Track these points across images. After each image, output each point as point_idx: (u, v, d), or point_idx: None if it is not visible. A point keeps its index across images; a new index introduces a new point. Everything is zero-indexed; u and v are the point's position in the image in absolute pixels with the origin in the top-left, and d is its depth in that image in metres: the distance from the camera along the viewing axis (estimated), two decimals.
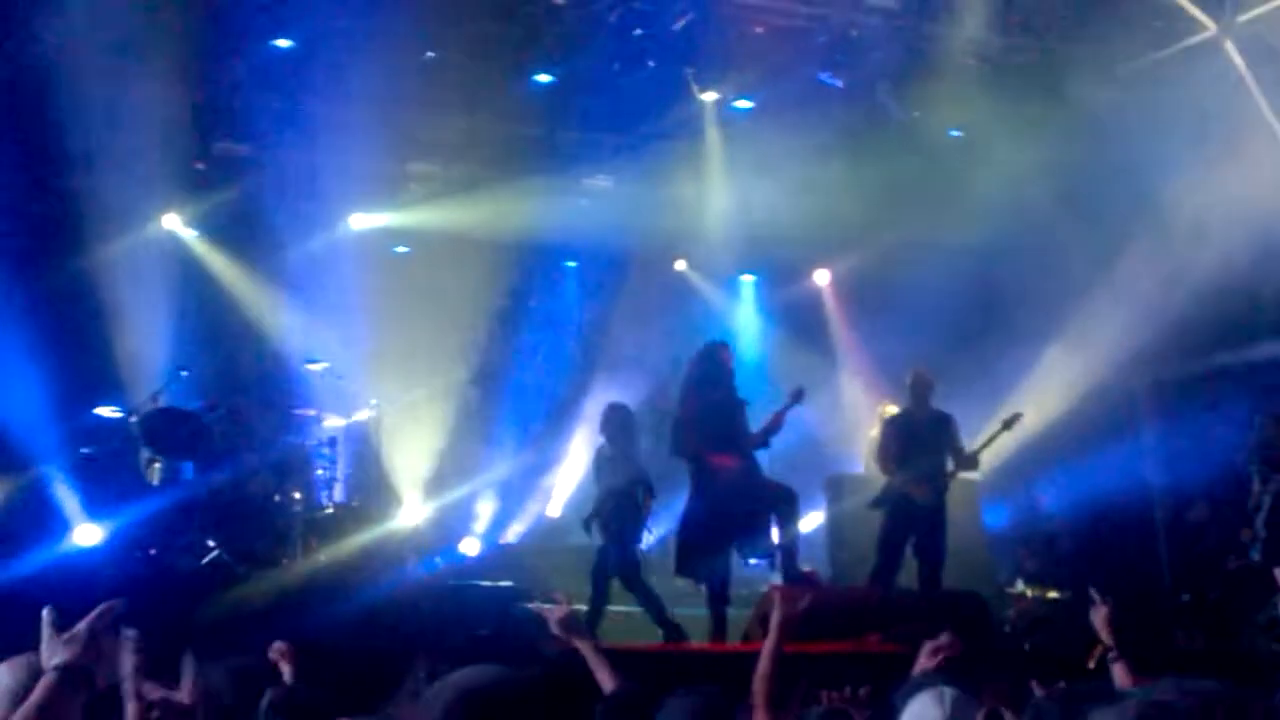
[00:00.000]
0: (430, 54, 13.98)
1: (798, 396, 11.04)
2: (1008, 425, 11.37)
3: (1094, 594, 5.58)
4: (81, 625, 3.34)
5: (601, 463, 11.12)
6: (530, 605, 6.13)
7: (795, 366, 14.75)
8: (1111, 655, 5.32)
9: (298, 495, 12.26)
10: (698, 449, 10.69)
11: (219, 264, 14.91)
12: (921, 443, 11.27)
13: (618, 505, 10.77)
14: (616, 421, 11.07)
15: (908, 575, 11.20)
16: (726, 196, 16.09)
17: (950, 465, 11.36)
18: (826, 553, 12.75)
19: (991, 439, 11.38)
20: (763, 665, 5.37)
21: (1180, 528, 13.28)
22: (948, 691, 3.92)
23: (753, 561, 10.92)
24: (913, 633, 8.64)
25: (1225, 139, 13.73)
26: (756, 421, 10.90)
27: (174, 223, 14.79)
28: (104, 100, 12.98)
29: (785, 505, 10.76)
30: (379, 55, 14.02)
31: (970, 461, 11.33)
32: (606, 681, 5.30)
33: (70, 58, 12.76)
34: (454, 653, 6.18)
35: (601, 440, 11.17)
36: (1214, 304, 13.66)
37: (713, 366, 10.96)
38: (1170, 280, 14.00)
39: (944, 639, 5.45)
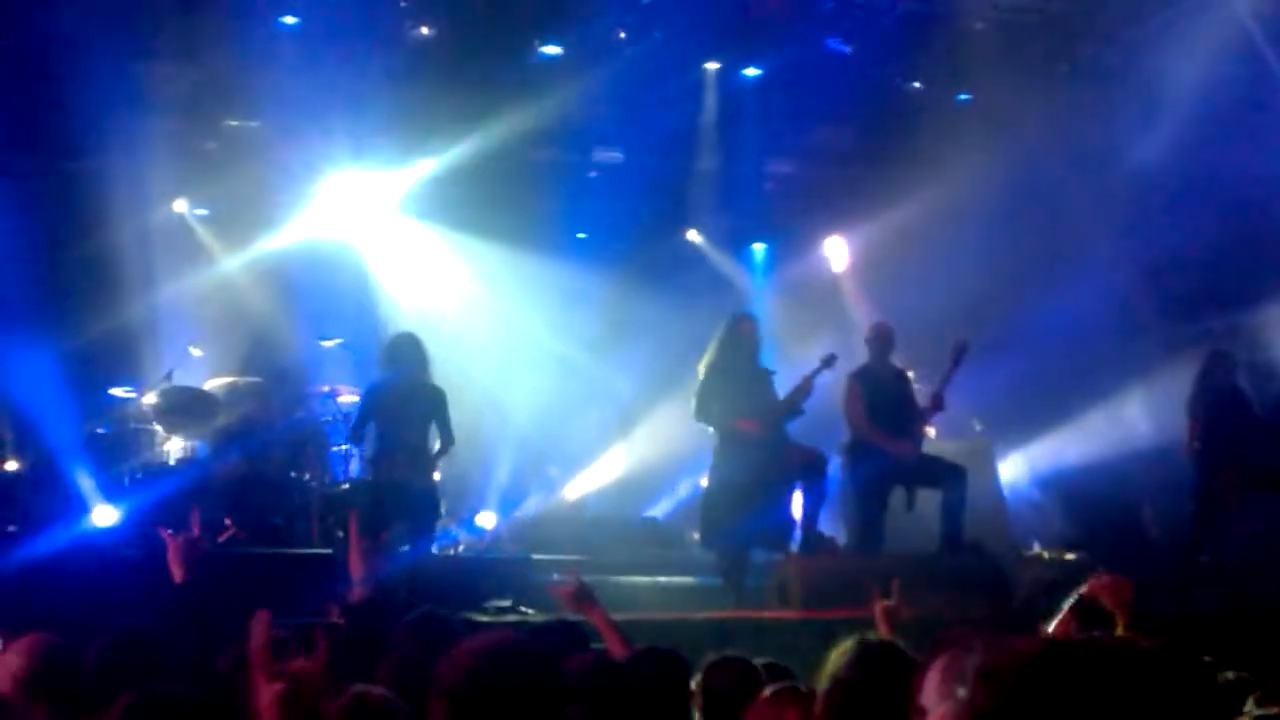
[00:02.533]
0: (428, 30, 13.99)
1: (829, 362, 10.93)
2: (956, 357, 11.15)
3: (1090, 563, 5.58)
4: None
5: None
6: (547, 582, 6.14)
7: (807, 335, 14.73)
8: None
9: (313, 472, 12.29)
10: (722, 415, 10.68)
11: (231, 242, 14.92)
12: (887, 396, 11.19)
13: None
14: None
15: (931, 538, 11.17)
16: (735, 165, 16.06)
17: (918, 420, 11.28)
18: (842, 520, 12.72)
19: (947, 376, 11.21)
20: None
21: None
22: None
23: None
24: (931, 598, 8.67)
25: (1236, 99, 13.70)
26: (784, 391, 10.89)
27: (183, 206, 14.81)
28: (111, 81, 12.99)
29: (813, 470, 10.75)
30: (383, 30, 14.04)
31: (937, 402, 11.21)
32: (618, 650, 5.34)
33: (76, 38, 12.77)
34: (471, 624, 6.19)
35: None
36: (1230, 261, 13.66)
37: (737, 337, 10.92)
38: (1184, 237, 13.99)
39: (892, 601, 5.54)
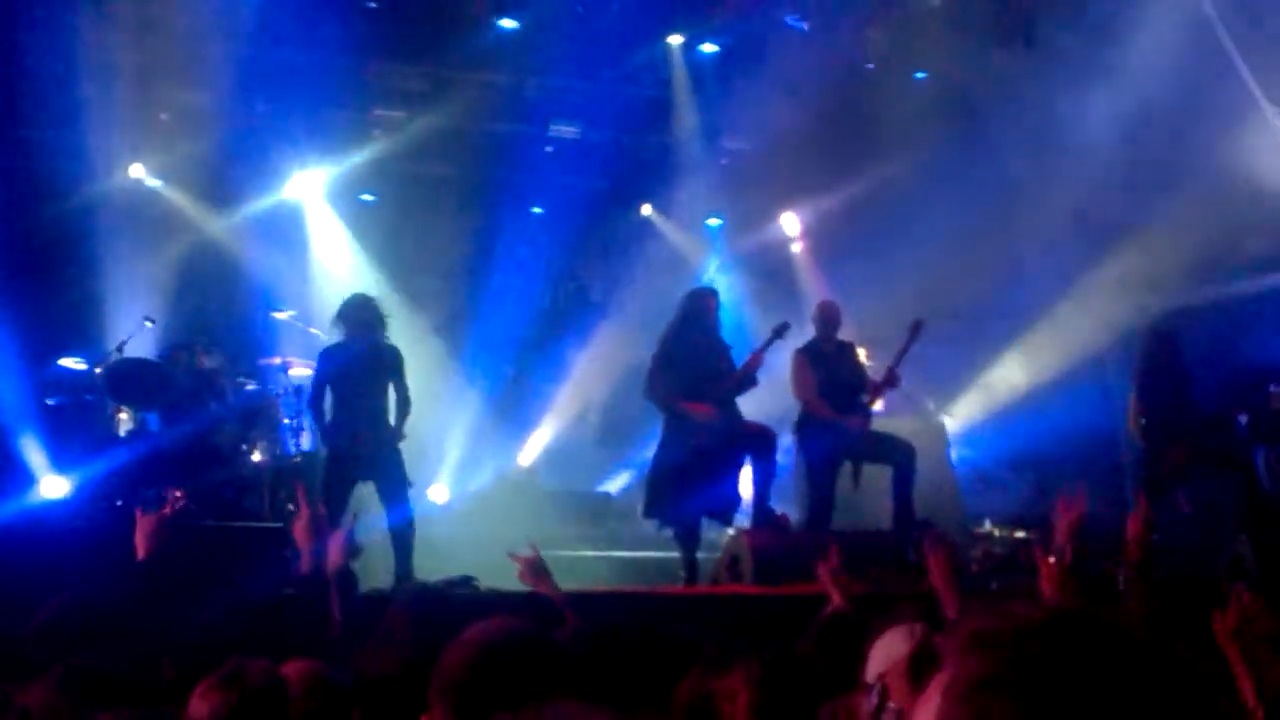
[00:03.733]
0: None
1: (780, 331, 10.88)
2: (913, 334, 11.21)
3: (1036, 549, 5.61)
4: None
5: None
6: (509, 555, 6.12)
7: (763, 310, 14.77)
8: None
9: (264, 444, 12.25)
10: (670, 394, 10.64)
11: (185, 213, 14.82)
12: (834, 372, 11.22)
13: None
14: None
15: (882, 514, 11.23)
16: (692, 141, 16.06)
17: (867, 395, 11.33)
18: (795, 496, 12.76)
19: (903, 350, 11.26)
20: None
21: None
22: (918, 627, 3.94)
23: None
24: (882, 574, 8.73)
25: (1194, 82, 13.77)
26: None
27: (140, 172, 14.68)
28: (66, 51, 12.88)
29: (762, 445, 10.74)
30: (339, 2, 13.95)
31: (890, 378, 11.25)
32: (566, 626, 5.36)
33: (32, 7, 12.66)
34: (423, 598, 6.17)
35: None
36: (1186, 243, 13.75)
37: (694, 312, 10.87)
38: (1137, 219, 14.08)
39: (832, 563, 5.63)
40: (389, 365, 10.42)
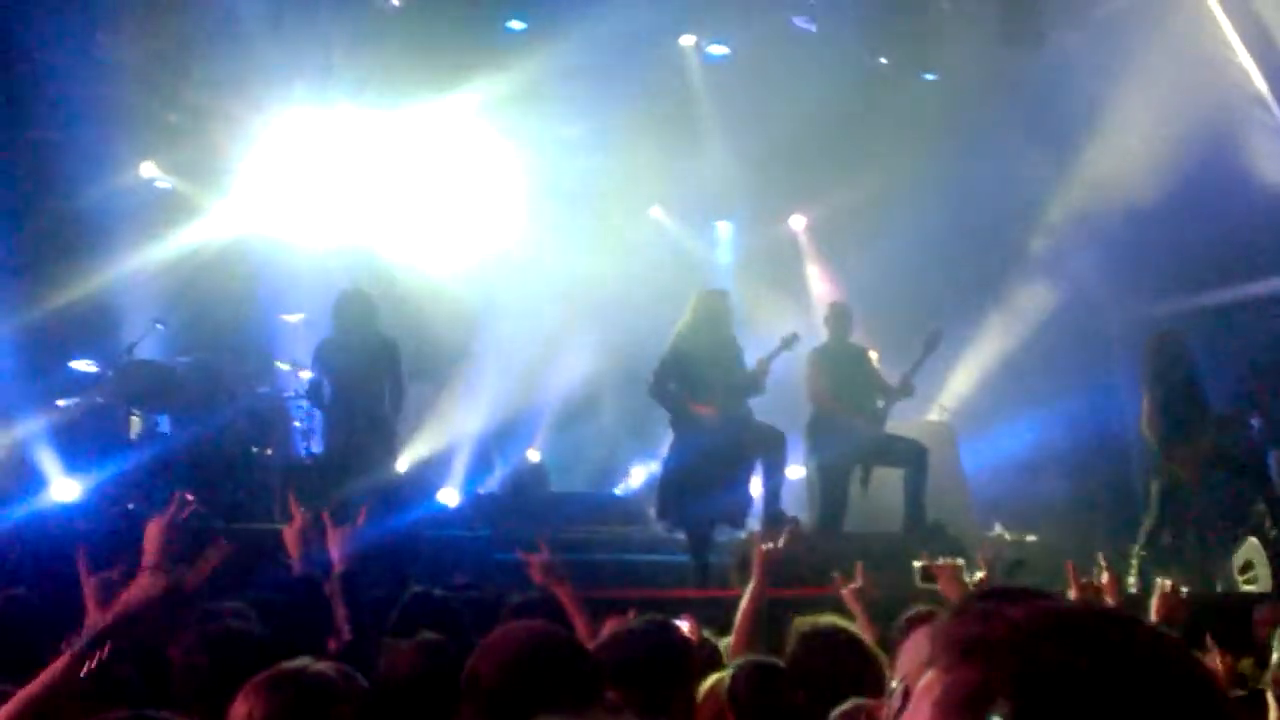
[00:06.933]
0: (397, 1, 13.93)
1: (789, 342, 10.87)
2: (931, 344, 11.23)
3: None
4: None
5: None
6: (516, 553, 6.14)
7: (771, 313, 14.75)
8: None
9: (276, 447, 12.25)
10: (678, 395, 10.62)
11: (194, 215, 14.79)
12: (848, 374, 11.22)
13: None
14: None
15: (893, 518, 11.22)
16: (703, 142, 16.04)
17: (881, 399, 11.31)
18: (807, 499, 12.74)
19: (918, 362, 11.27)
20: (744, 604, 5.46)
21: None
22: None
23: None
24: (892, 577, 8.70)
25: (1198, 81, 13.75)
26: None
27: (151, 171, 14.66)
28: (73, 51, 12.87)
29: (772, 448, 10.69)
30: (348, 5, 13.95)
31: (905, 388, 11.25)
32: (581, 627, 5.38)
33: (38, 7, 12.67)
34: (430, 601, 6.17)
35: None
36: (1193, 244, 13.73)
37: (707, 313, 10.84)
38: (1144, 221, 14.06)
39: (857, 581, 5.65)
40: (385, 358, 10.50)
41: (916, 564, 6.41)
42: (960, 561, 5.85)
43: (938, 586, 6.02)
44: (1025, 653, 1.49)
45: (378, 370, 10.55)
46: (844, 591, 5.80)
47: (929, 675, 1.55)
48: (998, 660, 1.50)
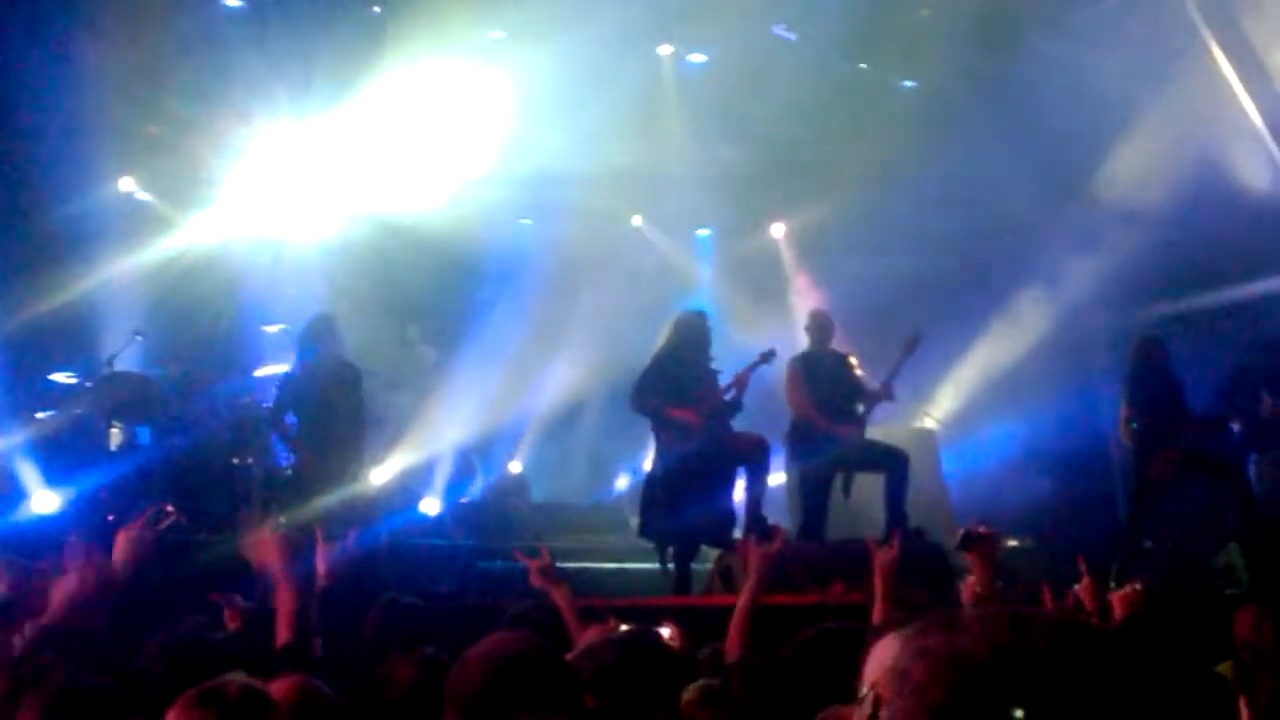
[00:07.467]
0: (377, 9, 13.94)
1: (767, 357, 10.92)
2: (909, 349, 11.25)
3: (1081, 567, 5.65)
4: None
5: None
6: (517, 556, 6.16)
7: (751, 321, 14.78)
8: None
9: (256, 458, 12.21)
10: (657, 404, 10.62)
11: (175, 226, 14.75)
12: (829, 381, 11.22)
13: None
14: None
15: (874, 524, 11.22)
16: (683, 151, 16.04)
17: (862, 404, 11.31)
18: (788, 506, 12.75)
19: (898, 366, 11.29)
20: (740, 605, 5.46)
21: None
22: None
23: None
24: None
25: (1180, 87, 13.80)
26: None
27: (129, 185, 14.62)
28: (51, 63, 12.84)
29: (756, 454, 10.67)
30: (331, 15, 13.92)
31: (886, 393, 11.26)
32: (575, 632, 5.37)
33: (15, 19, 12.63)
34: (414, 610, 6.17)
35: None
36: (1175, 250, 13.76)
37: (690, 335, 10.86)
38: (1127, 227, 14.09)
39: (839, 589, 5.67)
40: (349, 383, 10.60)
41: (961, 530, 6.33)
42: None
43: (967, 558, 6.01)
44: (994, 669, 1.48)
45: (348, 399, 10.68)
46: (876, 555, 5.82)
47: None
48: (965, 675, 1.49)
